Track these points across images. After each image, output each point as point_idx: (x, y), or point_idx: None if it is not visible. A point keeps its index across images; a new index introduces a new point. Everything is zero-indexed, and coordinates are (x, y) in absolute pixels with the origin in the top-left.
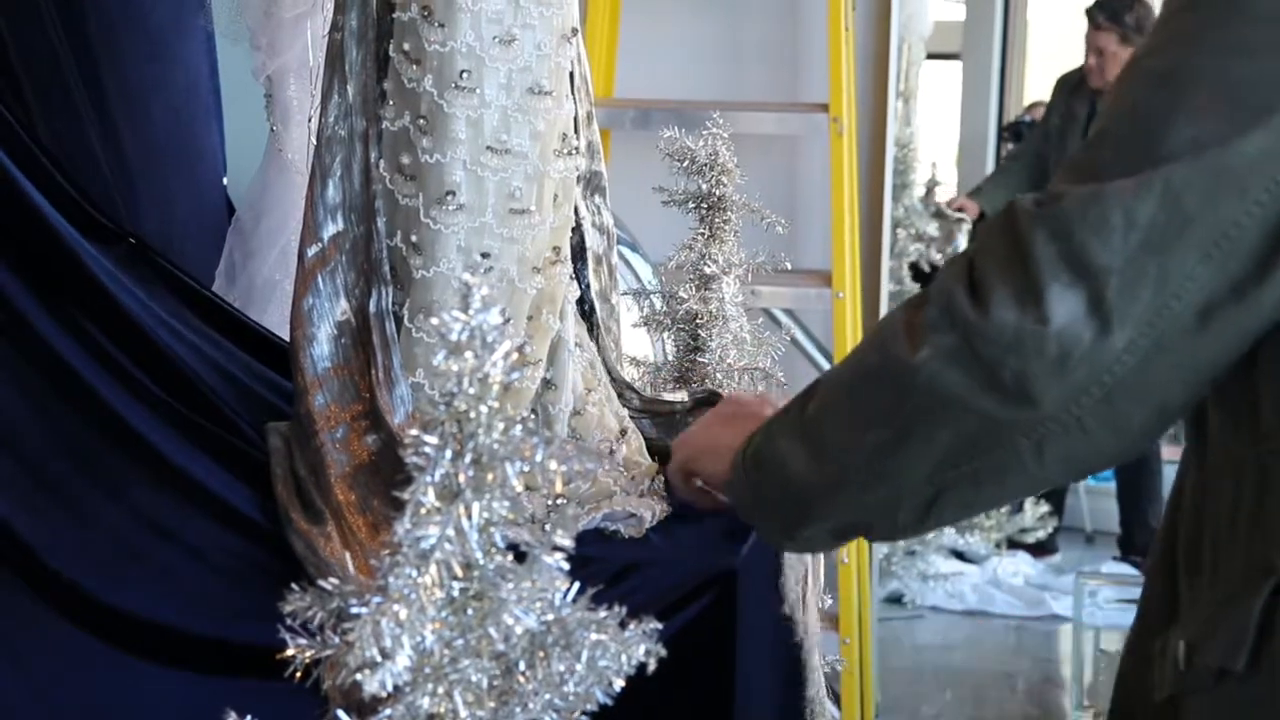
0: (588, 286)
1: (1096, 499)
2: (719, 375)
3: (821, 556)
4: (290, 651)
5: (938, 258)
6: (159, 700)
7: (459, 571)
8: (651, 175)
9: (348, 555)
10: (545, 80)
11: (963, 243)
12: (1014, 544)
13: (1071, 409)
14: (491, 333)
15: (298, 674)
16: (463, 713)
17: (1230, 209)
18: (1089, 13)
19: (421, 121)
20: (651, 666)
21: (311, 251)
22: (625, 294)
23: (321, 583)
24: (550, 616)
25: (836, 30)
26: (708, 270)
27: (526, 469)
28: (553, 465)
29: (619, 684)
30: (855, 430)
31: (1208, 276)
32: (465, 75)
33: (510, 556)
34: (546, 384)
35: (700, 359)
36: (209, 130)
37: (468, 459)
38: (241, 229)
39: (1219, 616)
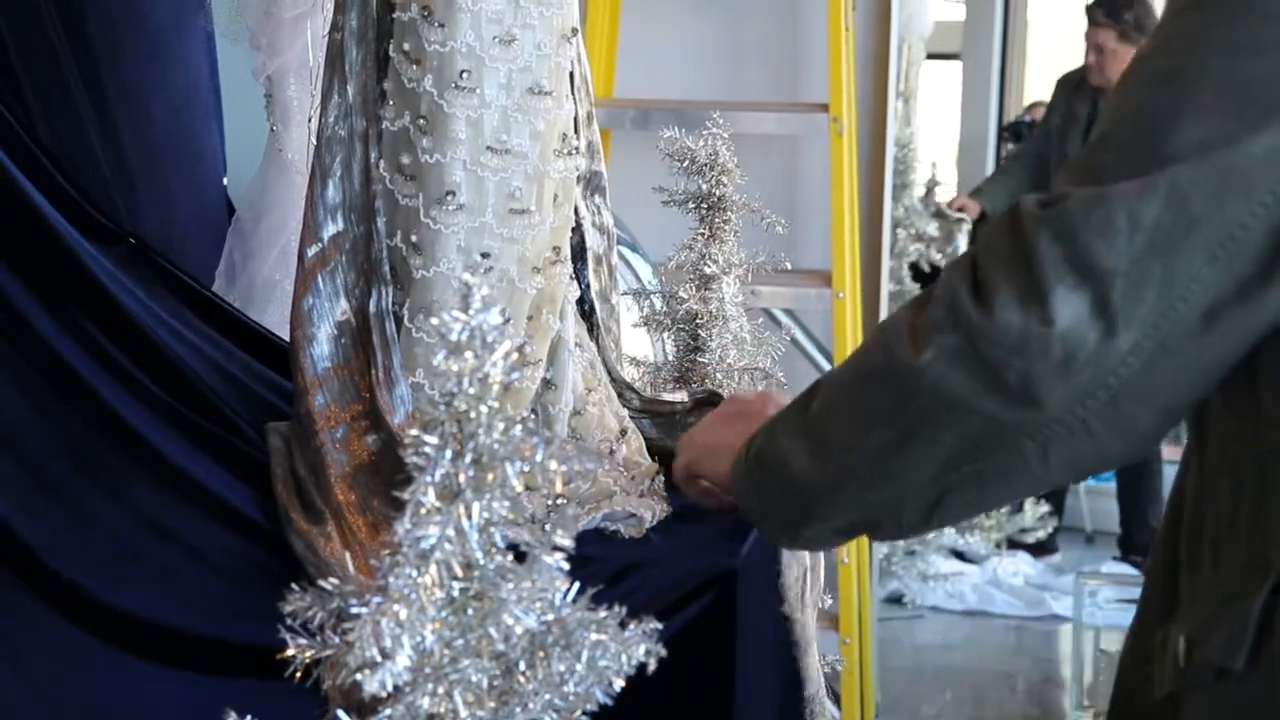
0: (588, 286)
1: (1096, 499)
2: (719, 375)
3: (822, 556)
4: (290, 651)
5: (938, 258)
6: (159, 700)
7: (459, 571)
8: (651, 175)
9: (348, 555)
10: (545, 80)
11: (963, 243)
12: (1014, 544)
13: (1076, 411)
14: (491, 333)
15: (298, 674)
16: (463, 713)
17: (1236, 210)
18: (1088, 10)
19: (421, 121)
20: (651, 666)
21: (311, 251)
22: (625, 294)
23: (321, 583)
24: (550, 616)
25: (836, 30)
26: (708, 270)
27: (526, 469)
28: (553, 465)
29: (619, 684)
30: (858, 431)
31: (1213, 278)
32: (465, 75)
33: (510, 556)
34: (546, 384)
35: (700, 359)
36: (209, 130)
37: (468, 459)
38: (241, 229)
39: (1219, 615)
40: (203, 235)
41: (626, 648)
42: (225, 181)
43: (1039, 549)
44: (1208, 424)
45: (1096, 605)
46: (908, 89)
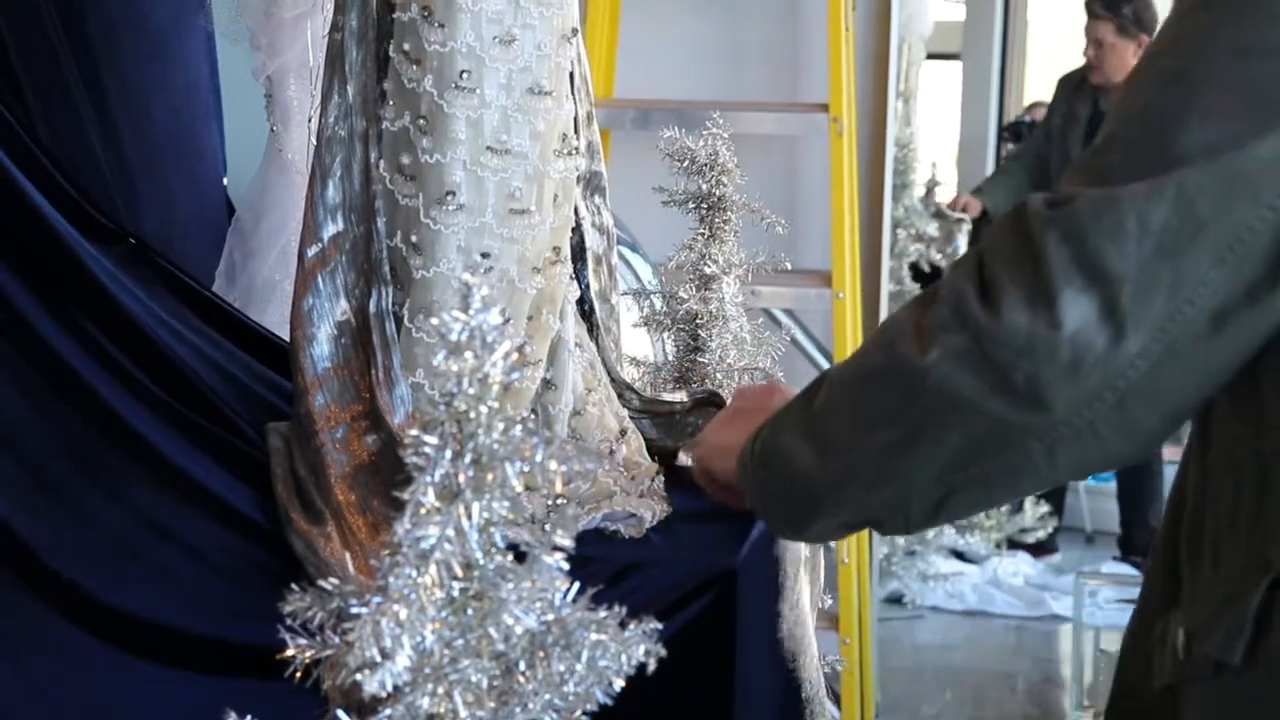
0: (588, 286)
1: (1096, 499)
2: (719, 375)
3: (822, 557)
4: (290, 651)
5: (938, 258)
6: (159, 700)
7: (459, 571)
8: (651, 175)
9: (348, 555)
10: (545, 80)
11: (963, 243)
12: (1014, 544)
13: (1084, 414)
14: (491, 333)
15: (298, 674)
16: (463, 713)
17: (1244, 213)
18: (1087, 3)
19: (421, 121)
20: (651, 666)
21: (311, 251)
22: (625, 294)
23: (321, 583)
24: (550, 616)
25: (836, 30)
26: (708, 270)
27: (526, 469)
28: (553, 465)
29: (619, 684)
30: (861, 431)
31: (1221, 281)
32: (465, 75)
33: (510, 556)
34: (546, 384)
35: (700, 359)
36: (209, 130)
37: (468, 459)
38: (241, 229)
39: (1219, 614)
40: (203, 235)
41: (626, 648)
42: (225, 181)
43: (1039, 549)
44: (1212, 425)
45: (1096, 605)
46: (908, 89)
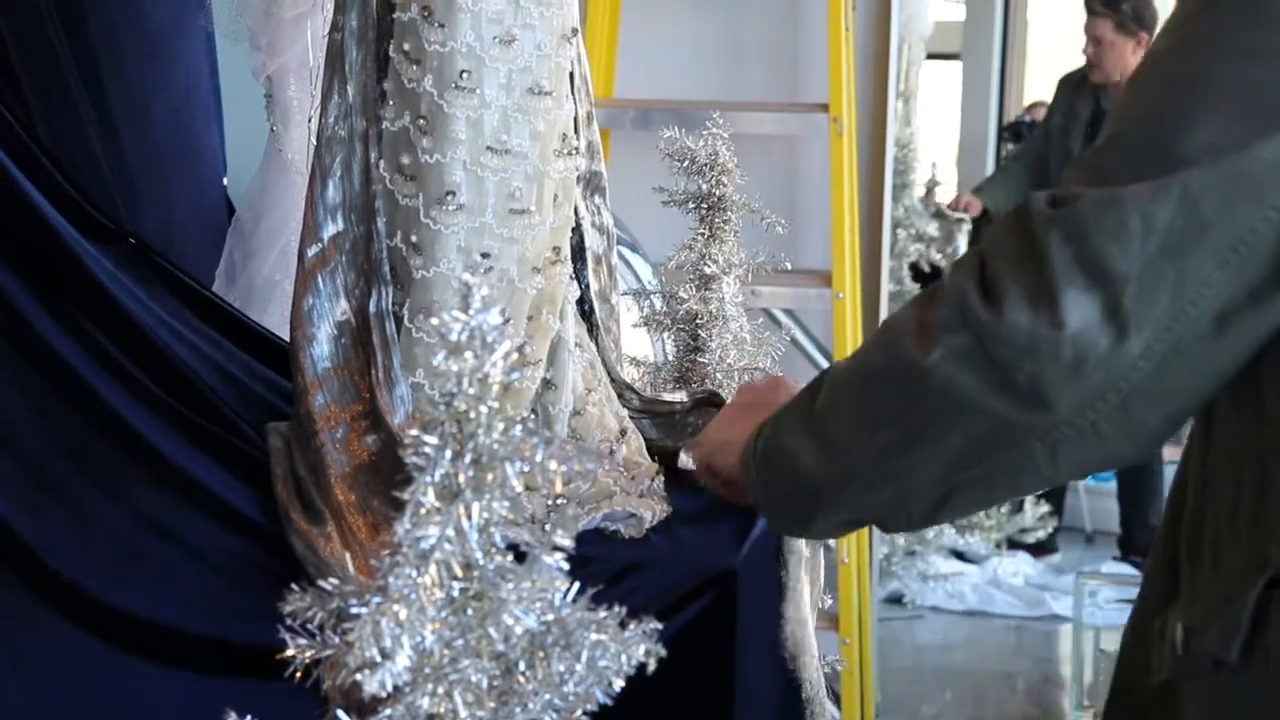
0: (588, 286)
1: (1096, 499)
2: (719, 375)
3: (822, 557)
4: (290, 651)
5: (938, 258)
6: (159, 700)
7: (459, 571)
8: (651, 175)
9: (348, 555)
10: (545, 80)
11: (963, 243)
12: (1014, 544)
13: (1086, 414)
14: (491, 333)
15: (298, 674)
16: (463, 713)
17: (1247, 215)
18: (1086, 1)
19: (421, 121)
20: (651, 666)
21: (311, 251)
22: (625, 294)
23: (321, 583)
24: (550, 616)
25: (836, 30)
26: (708, 270)
27: (526, 469)
28: (553, 465)
29: (619, 684)
30: (863, 431)
31: (1225, 282)
32: (465, 75)
33: (510, 556)
34: (546, 384)
35: (700, 359)
36: (209, 130)
37: (468, 459)
38: (241, 229)
39: (1218, 613)
40: (203, 235)
41: (626, 648)
42: (225, 181)
43: (1039, 549)
44: (1213, 423)
45: (1096, 605)
46: (908, 89)
